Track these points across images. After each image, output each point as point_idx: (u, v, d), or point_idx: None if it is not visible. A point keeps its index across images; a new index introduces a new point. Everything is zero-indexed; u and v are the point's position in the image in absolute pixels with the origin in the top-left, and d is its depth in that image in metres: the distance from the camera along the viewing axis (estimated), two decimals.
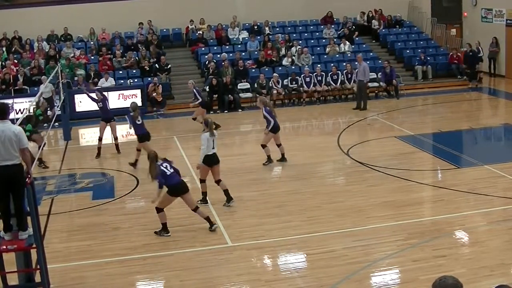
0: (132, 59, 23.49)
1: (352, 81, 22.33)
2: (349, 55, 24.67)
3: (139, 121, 14.57)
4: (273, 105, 22.07)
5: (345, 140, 16.58)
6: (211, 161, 11.77)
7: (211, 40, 25.65)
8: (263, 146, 14.51)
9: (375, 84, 23.24)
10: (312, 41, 26.16)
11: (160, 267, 9.41)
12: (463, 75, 24.67)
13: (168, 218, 11.40)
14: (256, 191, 12.81)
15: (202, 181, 12.01)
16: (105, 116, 16.14)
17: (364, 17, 27.54)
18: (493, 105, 22.51)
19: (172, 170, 10.42)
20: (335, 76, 22.75)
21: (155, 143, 17.02)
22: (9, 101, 19.73)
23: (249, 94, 22.59)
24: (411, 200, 11.85)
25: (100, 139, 16.00)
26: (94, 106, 17.34)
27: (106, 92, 21.35)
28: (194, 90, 18.69)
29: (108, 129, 16.23)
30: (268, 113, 14.30)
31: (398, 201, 11.77)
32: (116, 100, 21.53)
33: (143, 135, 14.61)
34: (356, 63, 21.62)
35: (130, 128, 14.89)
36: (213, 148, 11.73)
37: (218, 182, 11.98)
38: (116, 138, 16.32)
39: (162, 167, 10.31)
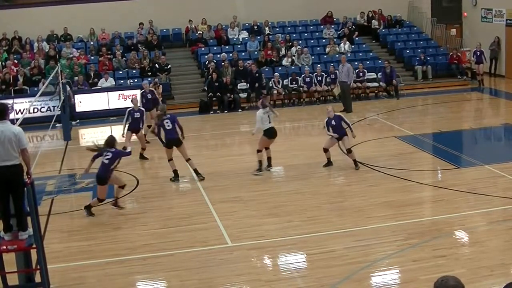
0: (136, 59, 23.50)
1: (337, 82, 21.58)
2: (349, 55, 24.66)
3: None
4: (273, 105, 22.41)
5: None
6: (270, 133, 13.58)
7: (211, 40, 25.64)
8: None
9: (375, 84, 23.24)
10: (312, 41, 26.15)
11: (160, 267, 9.40)
12: (463, 75, 24.72)
13: (168, 218, 11.47)
14: (256, 191, 12.80)
15: (259, 151, 13.62)
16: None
17: (364, 17, 27.53)
18: (493, 105, 22.50)
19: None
20: (333, 75, 22.70)
21: (155, 143, 16.99)
22: (9, 101, 19.79)
23: None
24: (411, 200, 11.84)
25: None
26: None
27: (106, 92, 21.55)
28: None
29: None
30: None
31: (398, 201, 11.76)
32: (116, 100, 21.55)
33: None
34: (341, 64, 21.16)
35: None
36: (269, 122, 13.54)
37: (267, 149, 13.71)
38: None
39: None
